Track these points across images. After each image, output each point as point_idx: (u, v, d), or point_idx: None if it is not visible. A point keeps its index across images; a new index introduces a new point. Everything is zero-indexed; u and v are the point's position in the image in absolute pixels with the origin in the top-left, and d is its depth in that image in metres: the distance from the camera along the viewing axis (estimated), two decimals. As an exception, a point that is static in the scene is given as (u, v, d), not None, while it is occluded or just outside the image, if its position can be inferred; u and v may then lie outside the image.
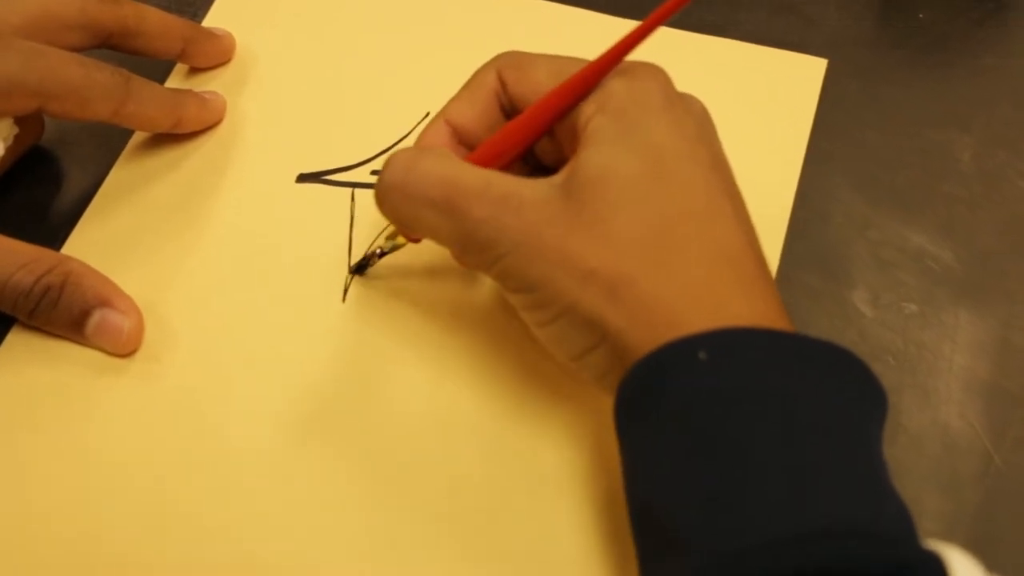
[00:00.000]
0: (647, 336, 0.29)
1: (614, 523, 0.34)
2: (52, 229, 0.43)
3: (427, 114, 0.44)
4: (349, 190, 0.43)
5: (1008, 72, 0.46)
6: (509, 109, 0.36)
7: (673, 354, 0.29)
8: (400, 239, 0.38)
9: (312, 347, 0.39)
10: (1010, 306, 0.40)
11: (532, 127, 0.34)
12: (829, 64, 0.45)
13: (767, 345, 0.29)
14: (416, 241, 0.38)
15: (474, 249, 0.32)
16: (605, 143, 0.32)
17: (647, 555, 0.30)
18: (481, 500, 0.35)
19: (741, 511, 0.26)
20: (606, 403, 0.36)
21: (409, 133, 0.44)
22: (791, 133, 0.43)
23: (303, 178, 0.43)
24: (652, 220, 0.31)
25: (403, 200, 0.33)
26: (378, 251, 0.39)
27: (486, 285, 0.40)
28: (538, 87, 0.34)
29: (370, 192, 0.42)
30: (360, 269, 0.41)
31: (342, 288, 0.40)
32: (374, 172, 0.43)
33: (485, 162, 0.34)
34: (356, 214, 0.42)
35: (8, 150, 0.42)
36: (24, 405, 0.38)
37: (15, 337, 0.39)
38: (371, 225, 0.42)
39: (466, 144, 0.36)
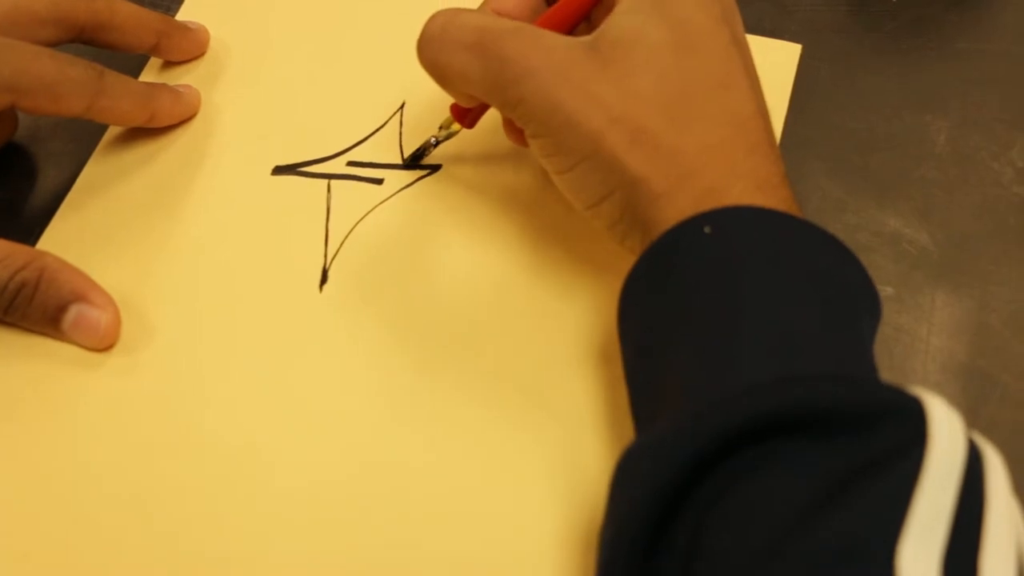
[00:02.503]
0: (664, 185, 0.32)
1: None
2: (27, 225, 0.42)
3: (403, 104, 0.44)
4: (325, 181, 0.43)
5: (982, 56, 0.46)
6: None
7: (683, 232, 0.31)
8: (454, 126, 0.40)
9: (289, 338, 0.39)
10: (986, 287, 0.40)
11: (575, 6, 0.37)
12: (803, 49, 0.46)
13: (764, 221, 0.31)
14: (469, 127, 0.40)
15: (502, 86, 0.34)
16: (637, 11, 0.34)
17: (645, 423, 0.31)
18: (467, 491, 0.35)
19: (731, 365, 0.28)
20: (583, 403, 0.36)
21: (384, 124, 0.44)
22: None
23: (279, 170, 0.43)
24: (674, 85, 0.33)
25: (440, 48, 0.35)
26: (433, 140, 0.41)
27: (463, 272, 0.40)
28: None
29: (346, 184, 0.43)
30: (416, 159, 0.42)
31: (319, 279, 0.40)
32: (351, 164, 0.43)
33: None
34: (332, 205, 0.42)
35: (-20, 146, 0.42)
36: (1, 401, 0.38)
37: (-10, 333, 0.39)
38: (347, 216, 0.42)
39: None
